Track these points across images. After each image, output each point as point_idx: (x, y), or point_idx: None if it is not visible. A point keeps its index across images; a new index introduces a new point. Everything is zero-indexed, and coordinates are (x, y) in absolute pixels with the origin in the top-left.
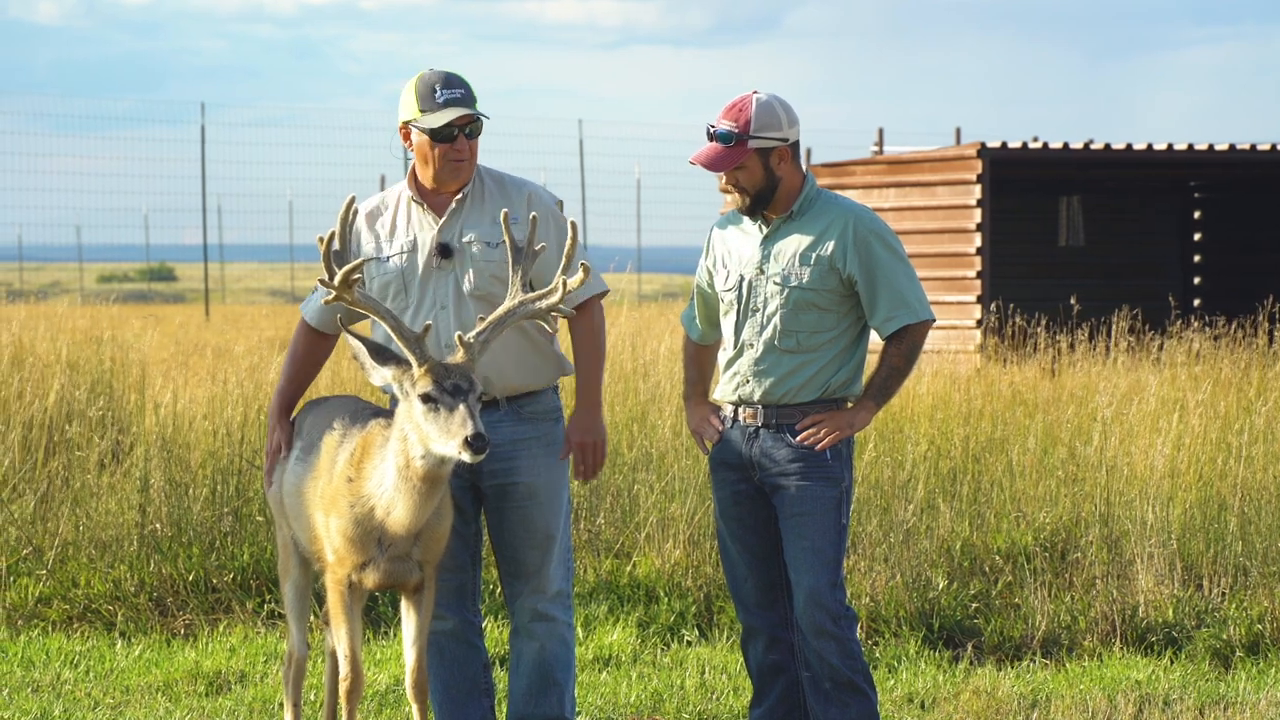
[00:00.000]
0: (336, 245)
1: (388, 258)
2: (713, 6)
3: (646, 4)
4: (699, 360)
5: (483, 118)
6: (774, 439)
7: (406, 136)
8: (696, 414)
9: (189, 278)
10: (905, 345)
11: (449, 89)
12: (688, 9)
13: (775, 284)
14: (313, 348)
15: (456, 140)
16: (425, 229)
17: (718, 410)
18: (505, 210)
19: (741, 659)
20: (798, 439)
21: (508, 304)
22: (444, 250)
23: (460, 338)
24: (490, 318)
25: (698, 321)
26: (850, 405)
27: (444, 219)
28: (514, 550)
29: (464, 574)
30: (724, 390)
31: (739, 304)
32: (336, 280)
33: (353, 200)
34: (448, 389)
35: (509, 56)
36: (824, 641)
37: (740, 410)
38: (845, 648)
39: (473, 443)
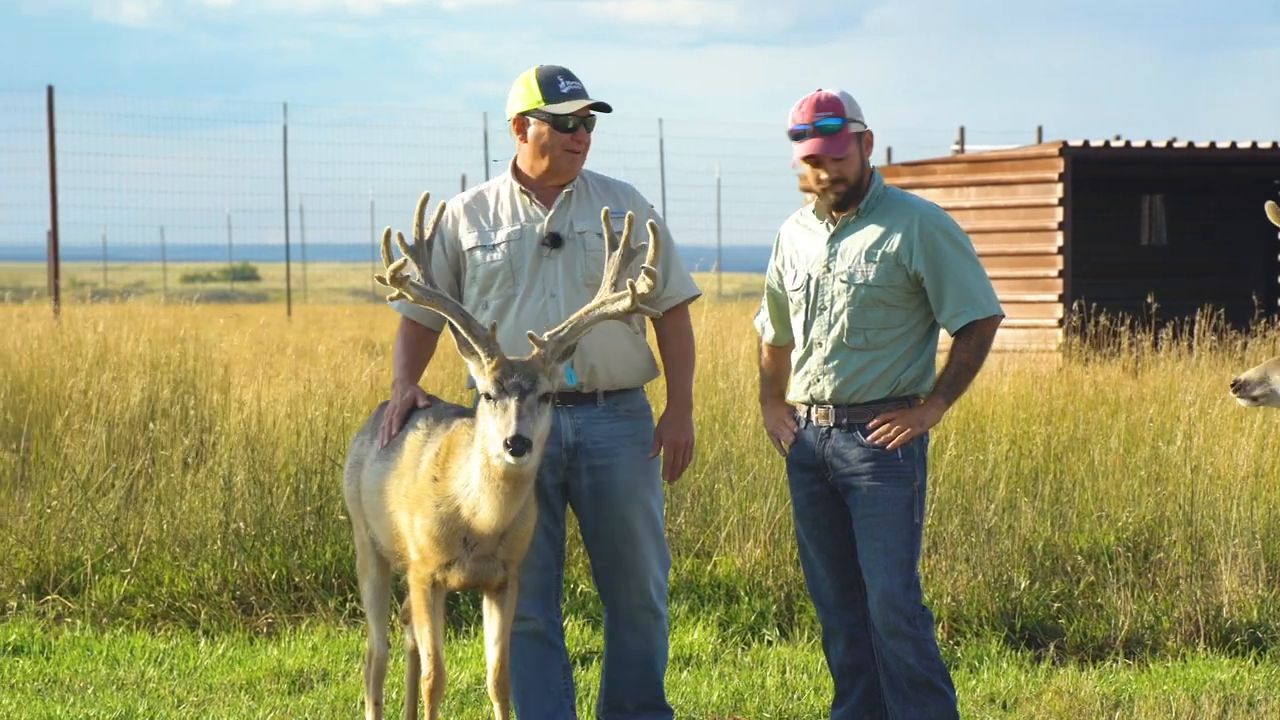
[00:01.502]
0: (410, 241)
1: (494, 245)
2: (792, 6)
3: (726, 3)
4: (774, 361)
5: (606, 108)
6: (846, 439)
7: (520, 129)
8: (772, 415)
9: (271, 277)
10: (974, 341)
11: (570, 80)
12: (767, 8)
13: (842, 282)
14: (418, 338)
15: (577, 131)
16: (533, 219)
17: (794, 411)
18: (606, 208)
19: (823, 658)
20: (869, 438)
21: (589, 305)
22: (554, 239)
23: (533, 336)
24: (570, 319)
25: (770, 323)
26: (921, 402)
27: (553, 210)
28: (613, 546)
29: (549, 574)
30: (796, 390)
31: (807, 303)
32: (387, 275)
33: (427, 197)
34: (507, 388)
35: (589, 56)
36: (899, 642)
37: (812, 410)
38: (921, 648)
39: (511, 444)
